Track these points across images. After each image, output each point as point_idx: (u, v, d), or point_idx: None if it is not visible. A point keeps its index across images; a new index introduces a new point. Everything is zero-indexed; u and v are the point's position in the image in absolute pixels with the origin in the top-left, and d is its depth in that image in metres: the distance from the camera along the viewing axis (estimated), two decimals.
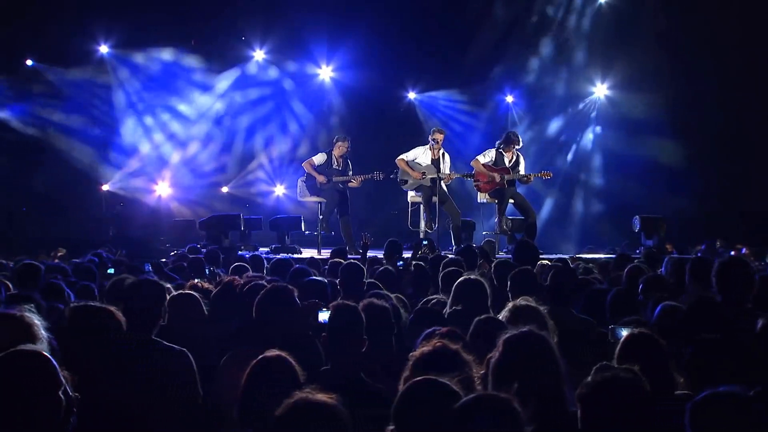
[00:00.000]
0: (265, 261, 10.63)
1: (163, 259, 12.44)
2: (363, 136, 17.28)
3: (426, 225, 14.21)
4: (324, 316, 5.36)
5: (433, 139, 14.23)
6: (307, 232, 16.23)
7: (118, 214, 18.73)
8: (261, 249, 15.12)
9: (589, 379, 3.64)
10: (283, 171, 20.54)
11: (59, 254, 14.05)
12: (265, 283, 6.44)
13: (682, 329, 5.15)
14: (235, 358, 5.27)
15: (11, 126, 19.08)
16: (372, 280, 7.77)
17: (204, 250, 12.98)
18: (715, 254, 12.38)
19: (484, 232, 15.46)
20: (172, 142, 20.28)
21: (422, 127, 20.42)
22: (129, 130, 20.03)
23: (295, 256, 13.65)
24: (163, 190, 20.15)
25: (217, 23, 19.72)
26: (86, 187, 19.51)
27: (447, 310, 6.32)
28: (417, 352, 4.11)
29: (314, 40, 19.88)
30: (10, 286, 7.50)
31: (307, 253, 14.61)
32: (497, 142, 14.59)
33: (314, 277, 7.25)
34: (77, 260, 11.25)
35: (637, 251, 13.98)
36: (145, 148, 20.18)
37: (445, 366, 3.83)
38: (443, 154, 14.36)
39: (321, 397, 3.31)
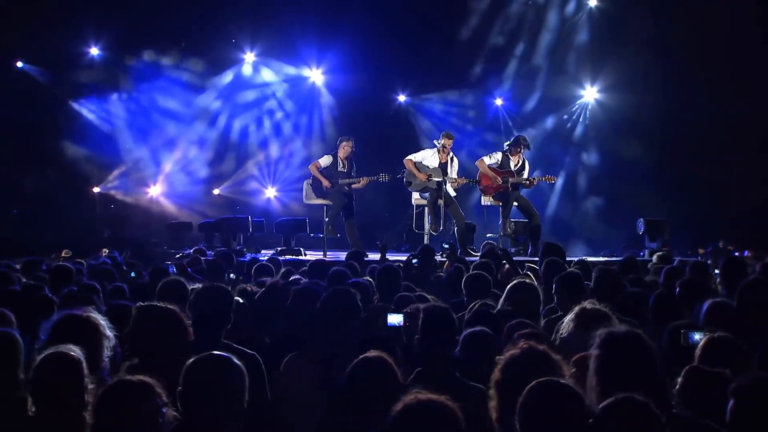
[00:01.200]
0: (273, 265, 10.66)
1: (168, 262, 12.40)
2: (354, 138, 17.23)
3: (431, 227, 14.29)
4: (393, 318, 5.42)
5: (442, 144, 14.30)
6: (312, 235, 16.24)
7: (113, 216, 18.67)
8: (263, 251, 15.13)
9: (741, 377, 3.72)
10: (276, 173, 20.54)
11: (64, 255, 13.98)
12: (314, 286, 6.53)
13: (742, 330, 5.24)
14: (296, 361, 5.32)
15: (1, 128, 18.94)
16: (407, 283, 7.84)
17: (210, 253, 13.03)
18: (722, 256, 12.49)
19: (488, 234, 15.57)
20: (163, 144, 20.19)
21: (414, 130, 20.56)
22: (120, 132, 19.94)
23: (300, 258, 13.71)
24: (155, 191, 20.10)
25: (207, 25, 19.69)
26: (77, 189, 19.42)
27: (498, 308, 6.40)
28: (506, 355, 4.12)
29: (304, 43, 19.88)
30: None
31: (312, 256, 14.59)
32: (505, 144, 14.73)
33: (357, 279, 7.28)
34: (92, 261, 11.24)
35: (641, 254, 14.14)
36: (136, 150, 20.12)
37: (536, 367, 3.86)
38: (452, 158, 14.46)
39: (435, 396, 3.32)
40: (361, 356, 4.21)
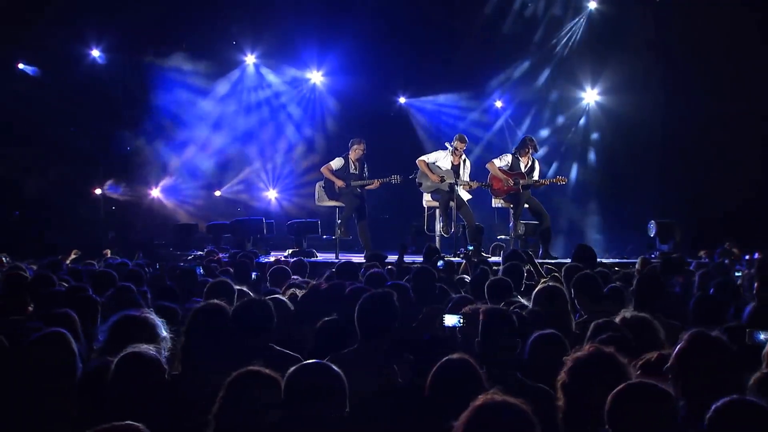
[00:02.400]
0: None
1: (182, 263, 12.43)
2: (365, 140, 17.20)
3: (442, 229, 14.32)
4: (450, 320, 5.45)
5: (455, 146, 14.35)
6: (324, 237, 16.26)
7: (118, 217, 18.69)
8: (272, 253, 15.15)
9: None
10: (277, 175, 20.58)
11: (73, 256, 13.99)
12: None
13: None
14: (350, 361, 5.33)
15: (3, 129, 18.87)
16: (442, 285, 7.88)
17: (224, 255, 13.03)
18: (732, 258, 12.60)
19: (499, 236, 15.62)
20: (164, 146, 20.17)
21: (414, 131, 20.63)
22: (122, 133, 19.93)
23: (312, 259, 13.75)
24: (156, 193, 20.13)
25: (208, 27, 19.71)
26: (79, 191, 19.41)
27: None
28: (571, 357, 4.15)
29: (304, 45, 19.95)
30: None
31: (323, 257, 14.63)
32: (514, 147, 14.82)
33: (397, 281, 7.31)
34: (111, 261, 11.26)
35: (652, 255, 14.21)
36: (137, 151, 20.11)
37: (603, 369, 3.94)
38: (464, 160, 14.50)
39: (510, 399, 3.33)
40: (445, 358, 4.22)
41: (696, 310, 6.52)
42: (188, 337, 5.10)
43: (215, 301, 5.47)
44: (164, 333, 5.09)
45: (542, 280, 8.32)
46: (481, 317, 5.02)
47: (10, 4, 18.22)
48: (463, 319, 5.46)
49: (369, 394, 4.81)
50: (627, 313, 5.48)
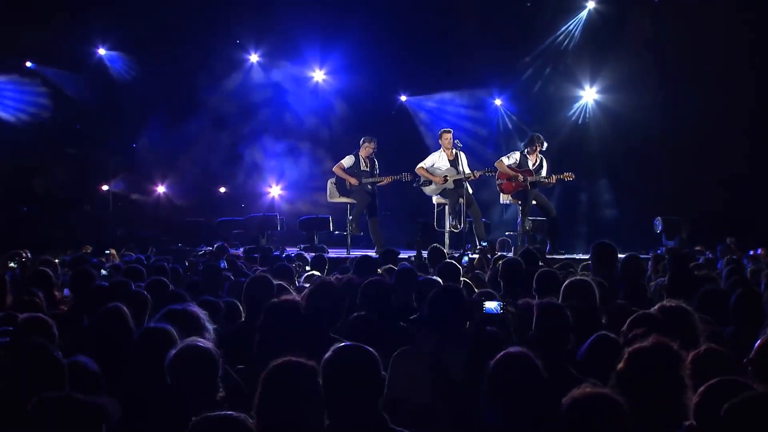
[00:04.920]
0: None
1: (192, 258, 12.60)
2: (356, 138, 17.27)
3: (452, 225, 14.53)
4: (490, 305, 5.55)
5: (442, 141, 14.58)
6: (336, 233, 16.42)
7: (125, 214, 18.83)
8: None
9: None
10: (280, 172, 20.73)
11: (84, 251, 14.14)
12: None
13: None
14: (405, 358, 5.38)
15: (10, 127, 18.97)
16: (466, 279, 8.07)
17: (237, 250, 13.20)
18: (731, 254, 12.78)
19: (507, 232, 15.81)
20: (170, 143, 20.29)
21: (416, 129, 20.78)
22: (128, 131, 20.06)
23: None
24: (162, 190, 20.30)
25: (212, 26, 19.83)
26: (87, 188, 19.55)
27: None
28: (633, 347, 4.11)
29: (307, 44, 20.10)
30: None
31: (334, 253, 14.79)
32: (522, 145, 15.00)
33: (428, 276, 7.46)
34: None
35: (659, 252, 14.43)
36: (142, 148, 20.24)
37: (663, 361, 3.95)
38: (457, 153, 14.65)
39: (603, 390, 3.50)
40: (504, 351, 4.21)
41: (737, 306, 6.33)
42: (262, 332, 5.32)
43: (288, 296, 5.65)
44: (208, 326, 5.22)
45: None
46: (535, 311, 5.13)
47: (16, 4, 18.34)
48: (503, 305, 5.60)
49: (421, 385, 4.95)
50: (668, 302, 5.47)
